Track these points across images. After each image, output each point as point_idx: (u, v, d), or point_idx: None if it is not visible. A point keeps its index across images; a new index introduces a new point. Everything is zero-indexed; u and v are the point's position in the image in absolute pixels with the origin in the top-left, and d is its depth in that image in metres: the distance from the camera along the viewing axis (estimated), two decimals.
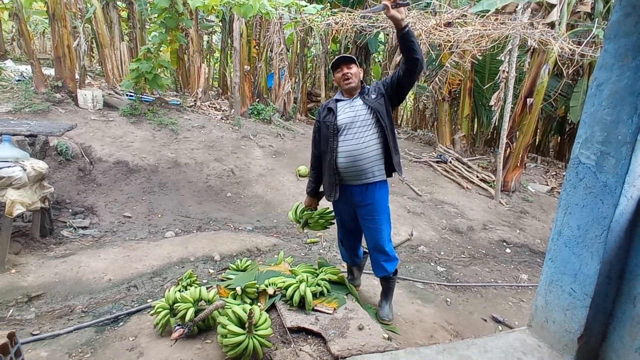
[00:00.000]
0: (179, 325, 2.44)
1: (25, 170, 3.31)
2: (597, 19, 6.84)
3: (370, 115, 2.66)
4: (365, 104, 2.68)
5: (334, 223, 3.15)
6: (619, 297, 1.82)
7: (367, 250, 3.21)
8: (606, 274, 1.79)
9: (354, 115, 2.67)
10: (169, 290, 2.70)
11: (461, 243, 5.15)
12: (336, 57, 2.74)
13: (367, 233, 2.83)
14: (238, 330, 2.23)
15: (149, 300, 3.06)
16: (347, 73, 2.70)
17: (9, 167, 3.24)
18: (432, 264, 4.43)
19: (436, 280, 4.04)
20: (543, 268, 2.13)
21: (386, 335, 2.49)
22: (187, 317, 2.46)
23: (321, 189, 3.03)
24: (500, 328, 3.36)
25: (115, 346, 2.50)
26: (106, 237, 4.22)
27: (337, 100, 2.80)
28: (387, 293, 2.99)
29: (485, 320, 3.45)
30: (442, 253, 4.78)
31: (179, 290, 2.75)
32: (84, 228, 4.32)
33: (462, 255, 4.81)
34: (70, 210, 4.61)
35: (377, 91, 2.71)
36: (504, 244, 5.31)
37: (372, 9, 3.00)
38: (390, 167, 2.72)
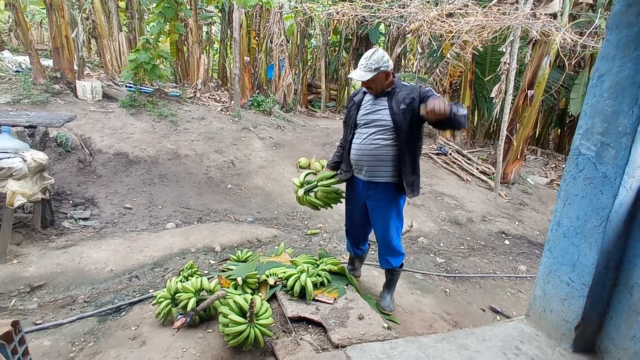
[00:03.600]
0: (181, 314, 2.46)
1: (25, 161, 3.31)
2: (599, 10, 6.78)
3: (390, 122, 2.55)
4: (389, 110, 2.55)
5: (334, 201, 3.05)
6: (616, 286, 1.84)
7: (369, 243, 3.25)
8: (604, 264, 1.81)
9: (373, 116, 2.61)
10: (170, 281, 2.72)
11: (460, 234, 5.18)
12: (352, 76, 2.57)
13: (375, 226, 2.86)
14: (239, 319, 2.26)
15: (150, 291, 3.08)
16: (368, 86, 2.60)
17: (9, 158, 3.23)
18: (431, 255, 4.46)
19: (435, 271, 4.06)
20: (542, 258, 2.15)
21: (386, 325, 2.51)
22: (189, 307, 2.48)
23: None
24: (498, 318, 3.39)
25: (118, 335, 2.53)
26: (107, 228, 4.23)
27: (365, 92, 2.72)
28: (390, 285, 3.03)
29: (484, 311, 3.48)
30: (442, 244, 4.80)
31: (181, 281, 2.77)
32: (85, 219, 4.33)
33: (462, 247, 4.84)
34: (70, 202, 4.61)
35: (410, 100, 2.50)
36: (503, 235, 5.34)
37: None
38: (407, 185, 2.63)
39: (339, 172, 2.92)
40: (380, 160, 2.62)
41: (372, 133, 2.61)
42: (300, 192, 3.07)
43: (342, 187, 3.02)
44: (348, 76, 2.65)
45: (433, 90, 2.53)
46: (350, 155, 2.73)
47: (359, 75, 2.51)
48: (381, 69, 2.47)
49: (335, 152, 3.05)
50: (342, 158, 2.92)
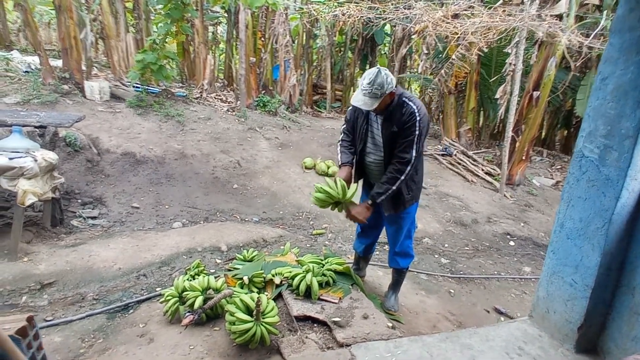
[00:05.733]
0: (189, 312, 2.50)
1: (36, 160, 3.37)
2: (605, 11, 6.75)
3: (381, 143, 2.59)
4: (382, 130, 2.56)
5: None
6: (618, 288, 1.86)
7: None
8: (607, 265, 1.82)
9: (376, 132, 2.62)
10: (177, 279, 2.77)
11: (465, 235, 5.19)
12: (355, 104, 2.41)
13: (388, 227, 2.90)
14: (246, 317, 2.29)
15: (157, 289, 3.13)
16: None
17: (20, 157, 3.30)
18: (436, 256, 4.47)
19: (440, 271, 4.08)
20: (545, 260, 2.17)
21: (390, 324, 2.54)
22: (196, 305, 2.53)
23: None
24: (502, 319, 3.41)
25: (127, 332, 2.58)
26: (115, 227, 4.30)
27: None
28: (395, 285, 3.06)
29: (488, 312, 3.50)
30: (446, 245, 4.82)
31: (188, 279, 2.82)
32: (93, 218, 4.40)
33: (466, 248, 4.85)
34: (79, 201, 4.68)
35: (397, 128, 2.47)
36: (508, 236, 5.34)
37: None
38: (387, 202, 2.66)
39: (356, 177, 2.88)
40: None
41: (375, 150, 2.66)
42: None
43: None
44: (352, 102, 2.45)
45: (416, 120, 2.41)
46: (366, 168, 2.77)
47: (364, 102, 2.36)
48: (387, 92, 2.35)
49: (343, 147, 2.81)
50: (354, 151, 2.83)
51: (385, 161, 2.63)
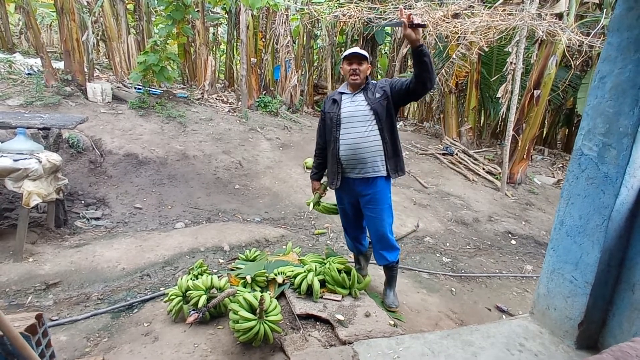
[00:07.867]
0: (194, 310, 2.53)
1: (40, 162, 3.40)
2: (605, 9, 6.77)
3: (370, 112, 2.73)
4: (366, 101, 2.75)
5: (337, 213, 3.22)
6: (618, 284, 1.88)
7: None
8: (606, 262, 1.84)
9: (355, 110, 2.76)
10: (181, 279, 2.79)
11: (466, 234, 5.20)
12: (351, 50, 2.76)
13: (368, 221, 2.93)
14: (249, 316, 2.32)
15: (161, 289, 3.16)
16: (357, 69, 2.74)
17: (25, 159, 3.33)
18: (437, 254, 4.49)
19: (441, 270, 4.10)
20: (545, 257, 2.19)
21: (392, 322, 2.56)
22: (200, 304, 2.55)
23: (324, 179, 3.15)
24: (504, 317, 3.42)
25: (131, 331, 2.60)
26: (118, 227, 4.33)
27: (342, 93, 2.89)
28: (390, 281, 3.09)
29: (490, 310, 3.51)
30: (448, 244, 4.83)
31: (191, 279, 2.84)
32: (97, 219, 4.43)
33: (468, 247, 4.86)
34: (82, 202, 4.71)
35: (382, 91, 2.75)
36: (509, 235, 5.35)
37: (389, 22, 3.07)
38: (391, 167, 2.78)
39: (330, 182, 2.98)
40: (369, 151, 2.73)
41: (357, 126, 2.74)
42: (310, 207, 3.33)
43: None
44: (348, 51, 2.79)
45: (386, 79, 2.87)
46: (341, 154, 2.78)
47: (359, 49, 2.79)
48: (368, 61, 2.79)
49: (313, 164, 3.20)
50: (324, 165, 3.07)
51: (378, 128, 2.73)
